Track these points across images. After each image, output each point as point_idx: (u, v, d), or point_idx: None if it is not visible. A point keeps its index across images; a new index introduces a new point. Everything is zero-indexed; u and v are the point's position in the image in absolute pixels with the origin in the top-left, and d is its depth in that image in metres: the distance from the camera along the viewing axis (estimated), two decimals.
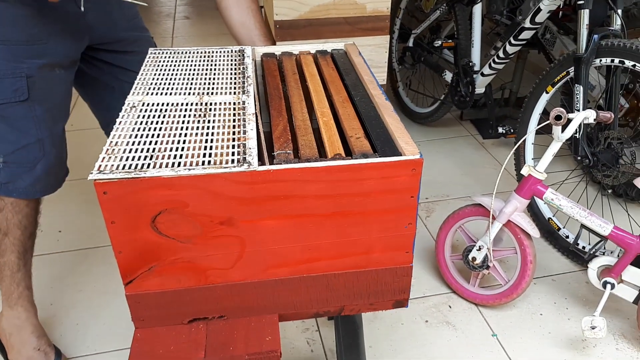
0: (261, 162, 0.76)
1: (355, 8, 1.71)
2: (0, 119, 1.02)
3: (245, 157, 0.74)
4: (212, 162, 0.73)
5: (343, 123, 0.87)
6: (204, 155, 0.75)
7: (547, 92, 1.56)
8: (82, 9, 0.94)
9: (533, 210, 1.62)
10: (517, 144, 1.42)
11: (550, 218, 1.59)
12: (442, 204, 1.80)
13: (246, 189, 0.73)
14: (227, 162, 0.73)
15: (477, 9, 1.93)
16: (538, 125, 1.56)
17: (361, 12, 1.72)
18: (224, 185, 0.72)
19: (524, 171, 1.26)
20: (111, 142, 0.77)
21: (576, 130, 1.23)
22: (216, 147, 0.77)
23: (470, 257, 1.36)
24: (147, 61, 1.06)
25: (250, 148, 0.76)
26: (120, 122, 0.83)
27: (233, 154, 0.75)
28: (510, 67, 2.12)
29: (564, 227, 1.57)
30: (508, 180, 1.87)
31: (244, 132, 0.80)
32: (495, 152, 2.11)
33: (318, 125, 0.88)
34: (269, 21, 1.74)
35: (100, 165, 0.72)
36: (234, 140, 0.79)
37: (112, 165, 0.72)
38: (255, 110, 0.88)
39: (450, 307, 1.41)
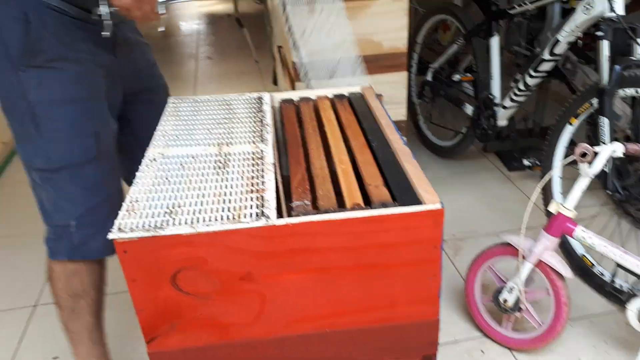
0: (279, 214, 0.75)
1: (372, 46, 1.72)
2: (70, 180, 1.00)
3: (263, 211, 0.73)
4: (230, 217, 0.73)
5: (362, 170, 0.86)
6: (222, 209, 0.75)
7: (570, 124, 1.52)
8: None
9: (565, 247, 1.56)
10: (543, 180, 1.38)
11: (583, 255, 1.52)
12: (470, 241, 1.76)
13: (265, 243, 0.72)
14: (245, 216, 0.72)
15: (495, 42, 1.92)
16: (564, 158, 1.52)
17: (378, 50, 1.73)
18: (242, 240, 0.71)
19: (552, 208, 1.22)
20: (131, 198, 0.78)
21: (604, 163, 1.19)
22: (234, 200, 0.77)
23: (501, 298, 1.30)
24: (167, 110, 1.08)
25: (268, 200, 0.76)
26: (140, 176, 0.83)
27: (251, 207, 0.75)
28: (533, 97, 2.09)
29: (598, 265, 1.50)
30: (537, 214, 1.81)
31: (262, 183, 0.80)
32: (521, 185, 2.06)
33: (336, 171, 0.88)
34: (288, 62, 1.77)
35: (120, 224, 0.72)
36: (252, 192, 0.78)
37: (132, 222, 0.72)
38: (274, 158, 0.88)
39: (482, 352, 1.35)
